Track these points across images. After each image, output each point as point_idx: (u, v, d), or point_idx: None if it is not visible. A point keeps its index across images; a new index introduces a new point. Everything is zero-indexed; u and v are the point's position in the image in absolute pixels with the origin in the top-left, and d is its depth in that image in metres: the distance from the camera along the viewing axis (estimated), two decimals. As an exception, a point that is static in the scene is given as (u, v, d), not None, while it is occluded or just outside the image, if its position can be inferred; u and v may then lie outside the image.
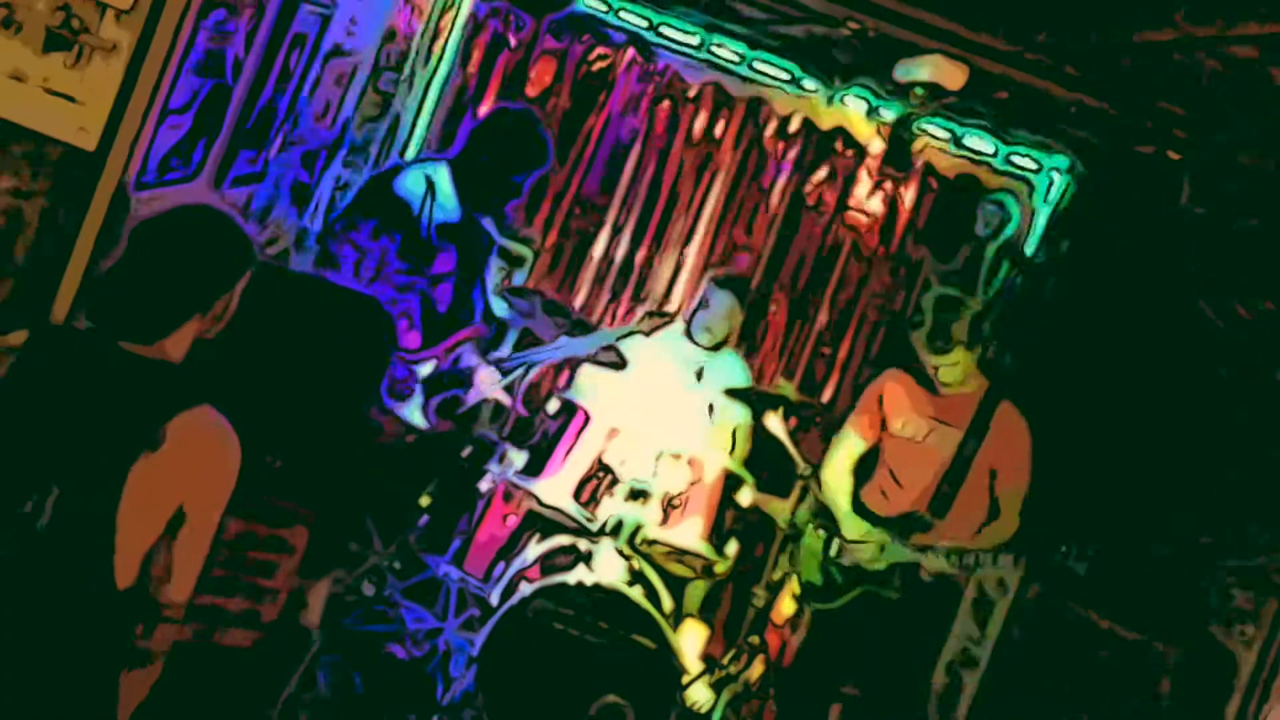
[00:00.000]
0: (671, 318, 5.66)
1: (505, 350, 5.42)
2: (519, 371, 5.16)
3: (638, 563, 4.86)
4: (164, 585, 2.52)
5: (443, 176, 4.90)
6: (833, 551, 4.94)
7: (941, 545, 4.67)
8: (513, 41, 6.03)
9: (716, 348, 5.57)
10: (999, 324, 4.88)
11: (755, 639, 5.26)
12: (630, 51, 6.08)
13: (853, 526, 4.91)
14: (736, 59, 6.03)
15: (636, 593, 4.74)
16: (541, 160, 5.03)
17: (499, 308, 5.35)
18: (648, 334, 5.41)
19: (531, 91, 6.06)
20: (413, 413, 4.81)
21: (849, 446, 5.05)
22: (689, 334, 5.58)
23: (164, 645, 2.58)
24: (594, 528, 4.93)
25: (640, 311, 5.93)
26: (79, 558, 2.44)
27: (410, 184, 4.84)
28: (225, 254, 2.62)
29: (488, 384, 5.05)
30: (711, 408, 5.49)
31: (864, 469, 5.07)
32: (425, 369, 4.82)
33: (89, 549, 2.43)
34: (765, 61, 6.02)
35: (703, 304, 5.57)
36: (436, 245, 4.84)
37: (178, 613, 2.58)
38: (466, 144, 5.03)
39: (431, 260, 4.83)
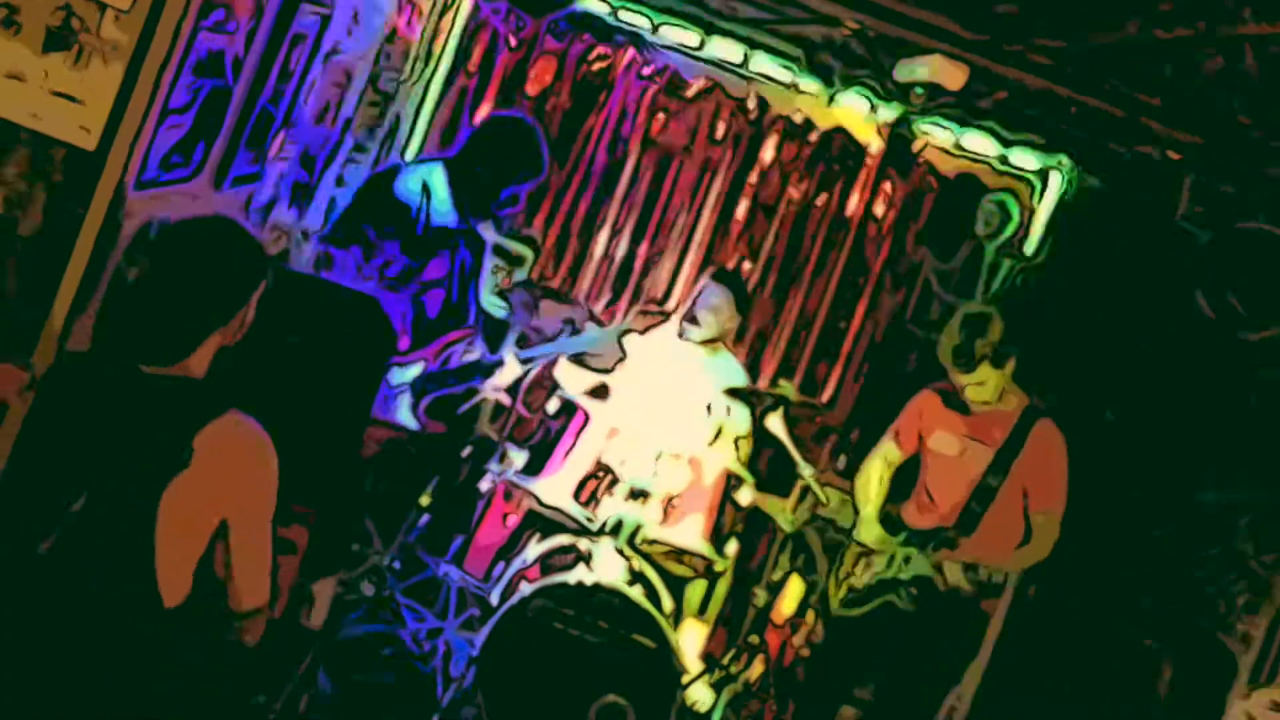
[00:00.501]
0: (667, 315, 5.65)
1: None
2: (534, 366, 5.16)
3: (638, 562, 4.86)
4: (238, 596, 2.52)
5: (438, 179, 4.91)
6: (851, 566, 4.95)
7: (963, 562, 4.66)
8: (513, 41, 6.03)
9: (712, 344, 5.54)
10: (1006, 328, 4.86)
11: (755, 639, 5.26)
12: (630, 51, 6.08)
13: (871, 532, 4.91)
14: (736, 59, 6.02)
15: (636, 592, 4.74)
16: (536, 170, 5.04)
17: (497, 307, 5.35)
18: (642, 332, 5.42)
19: (531, 91, 6.06)
20: (403, 414, 4.81)
21: (885, 454, 5.05)
22: (682, 331, 5.57)
23: (256, 637, 2.62)
24: (594, 528, 4.93)
25: (635, 310, 5.93)
26: (119, 581, 2.43)
27: (407, 186, 4.84)
28: (241, 265, 2.58)
29: (508, 373, 5.03)
30: (710, 407, 5.48)
31: (904, 483, 5.06)
32: (412, 371, 4.82)
33: (128, 572, 2.42)
34: (765, 61, 6.01)
35: (698, 300, 5.56)
36: (431, 250, 4.84)
37: (261, 617, 2.59)
38: (462, 150, 5.03)
39: (425, 264, 4.83)
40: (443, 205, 4.89)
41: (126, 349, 2.49)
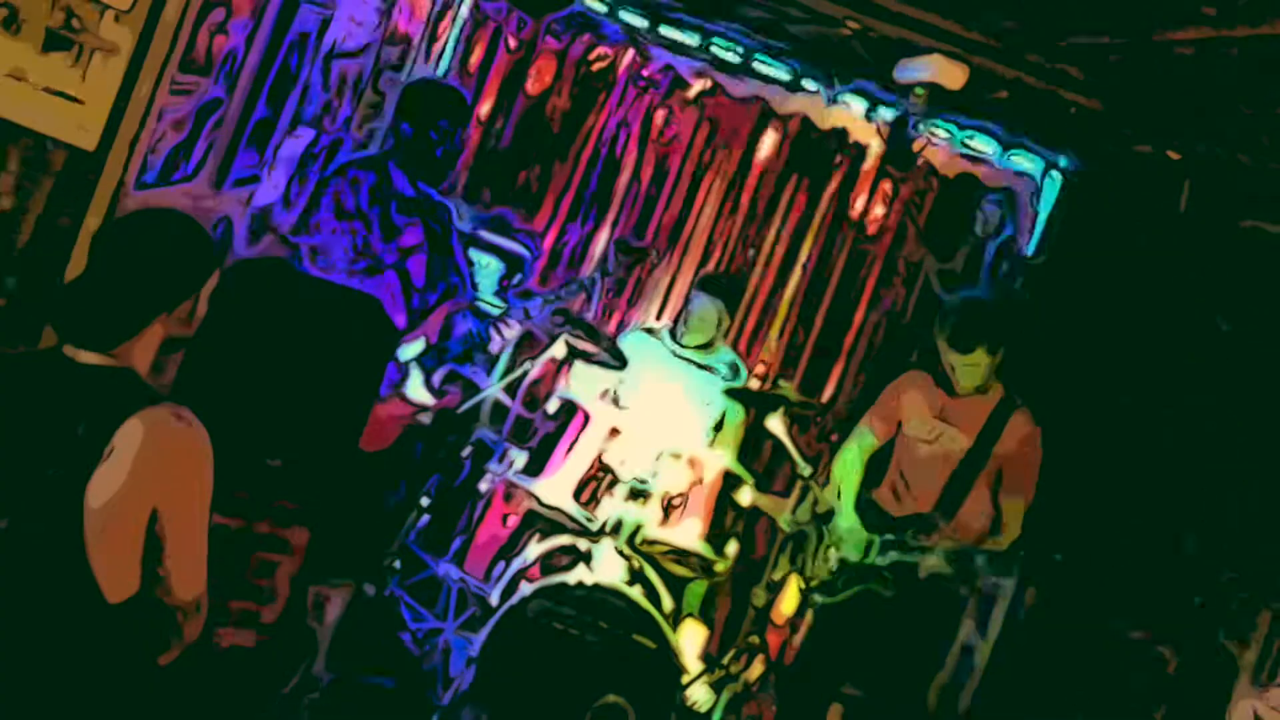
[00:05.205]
0: (645, 253, 5.65)
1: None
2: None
3: (638, 563, 4.86)
4: (172, 587, 2.52)
5: (387, 162, 4.92)
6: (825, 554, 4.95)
7: (941, 546, 4.67)
8: (513, 42, 6.03)
9: (706, 349, 5.56)
10: (1007, 317, 4.88)
11: (755, 639, 5.26)
12: (630, 52, 6.08)
13: (849, 519, 4.92)
14: (737, 60, 6.02)
15: (636, 593, 4.74)
16: (457, 103, 5.01)
17: (494, 306, 5.37)
18: (626, 273, 5.41)
19: (531, 91, 6.06)
20: (415, 391, 4.79)
21: (862, 441, 5.06)
22: (674, 336, 5.59)
23: (197, 629, 2.60)
24: (594, 528, 4.93)
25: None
26: (55, 579, 2.42)
27: (362, 173, 4.84)
28: (188, 256, 2.59)
29: (509, 332, 5.04)
30: (711, 407, 5.49)
31: (878, 467, 5.07)
32: (416, 347, 4.80)
33: (64, 570, 2.41)
34: (765, 62, 6.01)
35: (687, 308, 5.58)
36: (400, 224, 4.84)
37: (192, 611, 2.58)
38: (392, 120, 5.03)
39: (399, 236, 4.83)
40: (399, 181, 4.89)
41: (68, 332, 2.49)
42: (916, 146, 6.08)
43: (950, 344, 4.77)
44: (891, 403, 5.05)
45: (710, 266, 6.14)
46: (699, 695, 5.00)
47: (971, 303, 4.88)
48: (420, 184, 4.90)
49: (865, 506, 4.97)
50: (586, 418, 5.17)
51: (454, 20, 5.92)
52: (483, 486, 5.16)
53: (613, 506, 4.94)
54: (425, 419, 4.85)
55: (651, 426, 5.17)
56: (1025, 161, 6.07)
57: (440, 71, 5.93)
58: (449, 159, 5.01)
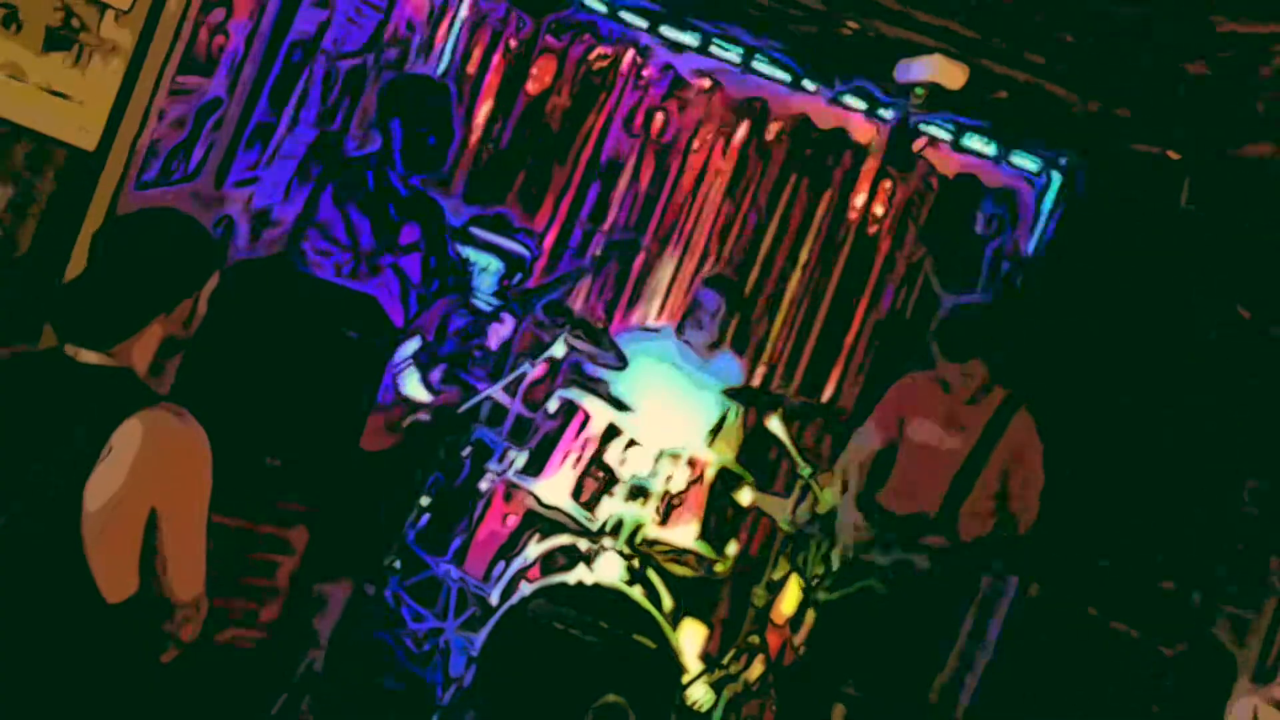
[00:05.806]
0: (636, 245, 5.69)
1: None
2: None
3: (638, 562, 4.86)
4: (171, 587, 2.52)
5: (381, 160, 4.92)
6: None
7: (941, 545, 4.67)
8: (513, 42, 6.03)
9: (712, 348, 5.58)
10: (1001, 324, 4.88)
11: (755, 639, 5.26)
12: (631, 52, 6.08)
13: (851, 513, 4.92)
14: (736, 60, 6.02)
15: (636, 592, 4.74)
16: (442, 94, 5.01)
17: (488, 303, 5.37)
18: (620, 265, 5.45)
19: (531, 91, 6.06)
20: (414, 388, 4.79)
21: (865, 443, 5.06)
22: (681, 335, 5.60)
23: (195, 629, 2.61)
24: (594, 527, 4.93)
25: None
26: (53, 579, 2.42)
27: (354, 179, 4.84)
28: (187, 256, 2.59)
29: (504, 328, 5.05)
30: (710, 407, 5.49)
31: (881, 469, 5.07)
32: (413, 345, 4.80)
33: (62, 569, 2.41)
34: (765, 62, 6.01)
35: (694, 305, 5.59)
36: (396, 222, 4.84)
37: (191, 611, 2.58)
38: (379, 119, 5.05)
39: (396, 235, 4.84)
40: (393, 181, 4.90)
41: (67, 331, 2.49)
42: (916, 146, 6.09)
43: (944, 353, 4.77)
44: (893, 405, 5.04)
45: (710, 266, 6.15)
46: (699, 695, 5.00)
47: (963, 311, 4.88)
48: (414, 181, 4.90)
49: (869, 507, 4.96)
50: (586, 417, 5.17)
51: (453, 20, 5.93)
52: (483, 486, 5.16)
53: (613, 506, 4.94)
54: (425, 417, 4.85)
55: (651, 426, 5.17)
56: (1025, 161, 6.07)
57: (440, 72, 5.93)
58: (441, 148, 5.01)
